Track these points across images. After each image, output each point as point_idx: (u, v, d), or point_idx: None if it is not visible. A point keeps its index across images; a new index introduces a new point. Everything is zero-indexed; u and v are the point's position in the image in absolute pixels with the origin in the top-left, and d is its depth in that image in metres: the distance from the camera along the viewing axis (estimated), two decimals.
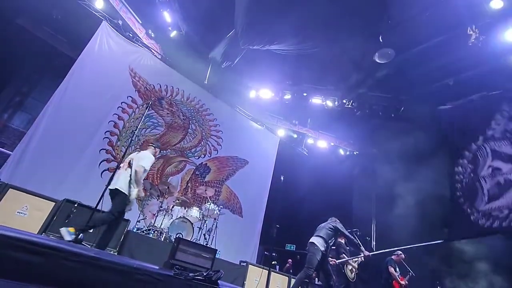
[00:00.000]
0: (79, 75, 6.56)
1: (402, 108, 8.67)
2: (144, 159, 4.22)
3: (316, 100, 9.20)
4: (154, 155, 4.46)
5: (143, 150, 4.64)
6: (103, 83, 6.99)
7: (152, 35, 8.08)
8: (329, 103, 9.24)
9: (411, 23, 6.52)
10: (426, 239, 7.51)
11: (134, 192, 4.09)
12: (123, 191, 3.96)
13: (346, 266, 5.78)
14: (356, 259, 6.08)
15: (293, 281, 6.18)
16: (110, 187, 3.98)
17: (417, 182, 8.39)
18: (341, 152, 11.14)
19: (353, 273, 5.77)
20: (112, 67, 7.24)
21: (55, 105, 6.13)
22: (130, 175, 4.04)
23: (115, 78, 7.28)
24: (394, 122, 9.06)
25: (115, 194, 3.98)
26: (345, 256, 5.91)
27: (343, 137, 11.01)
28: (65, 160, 6.12)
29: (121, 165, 4.28)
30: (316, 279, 7.52)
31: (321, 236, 4.66)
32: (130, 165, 4.14)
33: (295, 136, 11.11)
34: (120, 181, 4.01)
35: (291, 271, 8.75)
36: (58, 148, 6.06)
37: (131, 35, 7.68)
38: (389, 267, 6.32)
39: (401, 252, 6.64)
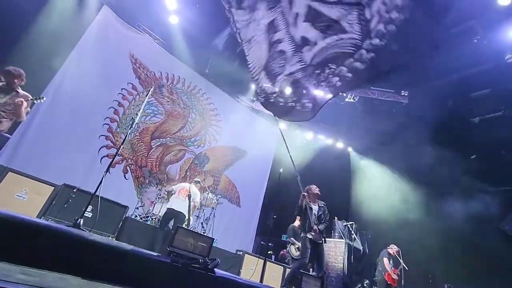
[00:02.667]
0: (79, 59, 6.48)
1: (404, 103, 8.63)
2: (197, 196, 5.56)
3: (317, 93, 9.13)
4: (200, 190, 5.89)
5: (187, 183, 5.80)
6: (103, 69, 6.92)
7: (153, 21, 7.94)
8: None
9: None
10: (423, 233, 7.63)
11: (192, 219, 5.46)
12: (184, 214, 5.16)
13: (291, 245, 6.04)
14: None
15: (287, 271, 6.30)
16: (176, 208, 5.14)
17: (416, 178, 8.44)
18: (341, 145, 11.15)
19: (298, 252, 6.01)
20: (113, 52, 7.16)
21: (54, 89, 6.08)
22: (189, 205, 5.21)
23: (116, 64, 7.21)
24: (396, 117, 9.04)
25: (176, 215, 5.14)
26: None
27: (344, 131, 11.00)
28: (64, 145, 6.11)
29: (179, 194, 5.36)
30: (311, 269, 7.65)
31: (302, 229, 4.81)
32: (189, 196, 5.27)
33: (297, 131, 11.08)
34: (183, 208, 5.20)
35: (286, 261, 8.88)
36: (58, 132, 6.05)
37: (132, 20, 7.55)
38: (384, 259, 6.44)
39: (395, 246, 6.74)
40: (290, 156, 5.10)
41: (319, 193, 5.06)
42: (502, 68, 6.72)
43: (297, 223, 6.38)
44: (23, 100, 3.51)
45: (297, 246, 6.03)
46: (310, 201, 4.90)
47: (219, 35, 7.98)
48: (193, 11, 7.56)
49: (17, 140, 5.55)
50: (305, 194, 4.84)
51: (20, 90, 3.71)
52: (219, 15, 7.56)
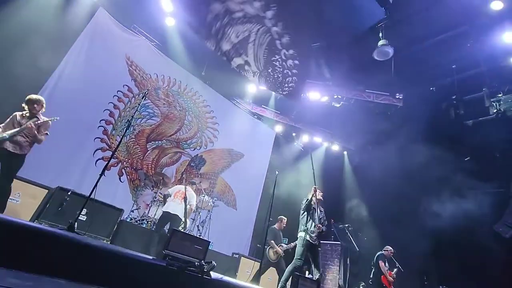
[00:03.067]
0: (74, 61, 6.44)
1: (399, 106, 8.72)
2: (193, 198, 5.51)
3: (314, 96, 9.19)
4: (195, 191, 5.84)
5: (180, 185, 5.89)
6: (99, 71, 6.88)
7: (150, 23, 7.93)
8: (326, 99, 9.24)
9: (410, 21, 6.51)
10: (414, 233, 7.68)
11: (188, 222, 5.49)
12: (180, 218, 5.16)
13: (269, 248, 6.02)
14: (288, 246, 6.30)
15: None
16: (171, 212, 5.11)
17: (410, 180, 8.50)
18: (336, 147, 11.21)
19: (276, 255, 6.00)
20: (108, 54, 7.13)
21: (49, 92, 6.02)
22: (185, 208, 5.19)
23: (111, 66, 7.18)
24: (391, 120, 9.12)
25: (172, 218, 5.11)
26: (281, 244, 6.20)
27: (339, 133, 11.06)
28: (58, 147, 6.04)
29: (175, 197, 5.34)
30: (307, 272, 7.64)
31: (301, 228, 4.85)
32: (185, 199, 5.23)
33: (294, 134, 11.13)
34: (179, 211, 5.18)
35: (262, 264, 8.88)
36: (52, 135, 5.90)
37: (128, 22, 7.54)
38: (380, 261, 6.46)
39: (390, 248, 6.77)
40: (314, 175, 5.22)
41: (322, 198, 5.15)
42: (495, 71, 6.83)
43: (277, 225, 6.49)
44: (32, 123, 3.75)
45: (275, 250, 6.03)
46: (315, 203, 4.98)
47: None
48: (189, 12, 7.56)
49: None
50: (315, 187, 4.93)
51: (41, 116, 3.97)
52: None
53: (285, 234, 11.29)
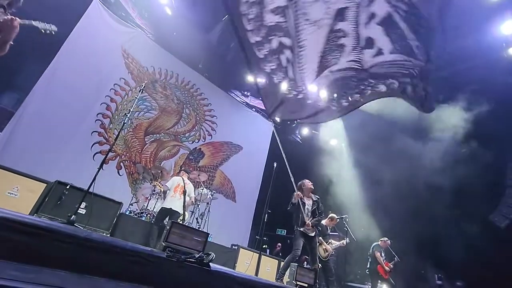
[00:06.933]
0: (70, 54, 6.37)
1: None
2: (192, 191, 5.55)
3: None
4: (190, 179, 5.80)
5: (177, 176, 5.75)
6: (95, 64, 6.82)
7: (146, 15, 7.83)
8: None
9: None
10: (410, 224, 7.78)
11: (187, 214, 5.46)
12: (180, 213, 5.09)
13: (320, 245, 5.92)
14: (338, 244, 6.27)
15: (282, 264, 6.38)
16: (174, 208, 5.09)
17: (403, 171, 8.57)
18: (334, 140, 11.23)
19: (326, 253, 5.90)
20: (104, 47, 7.04)
21: (45, 85, 5.98)
22: (184, 201, 5.10)
23: (107, 59, 7.10)
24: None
25: (173, 214, 5.09)
26: (330, 240, 6.15)
27: (336, 127, 11.05)
28: (56, 141, 6.03)
29: (174, 192, 5.26)
30: (305, 262, 7.75)
31: (295, 221, 4.87)
32: (184, 192, 5.14)
33: (293, 125, 11.12)
34: (178, 205, 5.13)
35: (280, 254, 8.99)
36: (49, 129, 5.96)
37: (123, 14, 7.43)
38: (376, 252, 6.54)
39: (387, 238, 6.85)
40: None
41: (312, 187, 5.12)
42: (493, 63, 6.81)
43: (325, 221, 6.16)
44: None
45: (324, 247, 5.80)
46: (303, 196, 4.96)
47: (212, 29, 7.91)
48: (186, 4, 7.47)
49: (8, 137, 5.46)
50: (298, 193, 4.88)
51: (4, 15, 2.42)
52: (213, 8, 7.52)
53: (282, 225, 11.40)
